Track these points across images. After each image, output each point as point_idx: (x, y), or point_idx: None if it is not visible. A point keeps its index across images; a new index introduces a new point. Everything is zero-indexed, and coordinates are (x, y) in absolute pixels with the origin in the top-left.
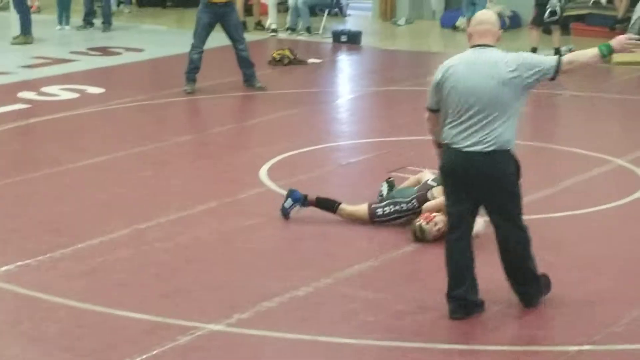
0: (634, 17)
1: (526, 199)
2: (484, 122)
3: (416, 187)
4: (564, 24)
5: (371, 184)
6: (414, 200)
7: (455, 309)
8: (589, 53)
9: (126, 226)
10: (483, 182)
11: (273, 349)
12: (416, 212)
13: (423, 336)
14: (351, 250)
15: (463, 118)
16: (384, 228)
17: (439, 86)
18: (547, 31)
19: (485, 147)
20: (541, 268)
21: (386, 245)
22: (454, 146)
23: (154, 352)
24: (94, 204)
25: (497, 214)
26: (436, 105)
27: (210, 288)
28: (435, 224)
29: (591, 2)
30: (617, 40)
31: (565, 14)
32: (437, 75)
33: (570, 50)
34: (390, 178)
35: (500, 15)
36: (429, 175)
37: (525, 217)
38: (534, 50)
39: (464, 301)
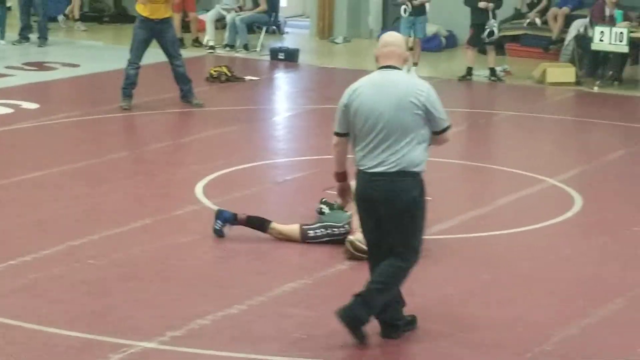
0: (568, 38)
1: (461, 217)
2: (388, 143)
3: (349, 212)
4: (499, 45)
5: (307, 201)
6: (346, 225)
7: (382, 329)
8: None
9: (60, 243)
10: (386, 205)
11: None
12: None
13: (353, 356)
14: (285, 268)
15: (368, 139)
16: (319, 247)
17: (346, 109)
18: (483, 51)
19: (388, 168)
20: (476, 286)
21: (320, 263)
22: (361, 169)
23: None
24: (27, 221)
25: (395, 241)
26: (344, 129)
27: (143, 305)
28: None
29: (526, 23)
30: None
31: (500, 34)
32: (344, 98)
33: (504, 70)
34: (323, 199)
35: (437, 35)
36: None
37: (460, 236)
38: (469, 69)
39: (385, 323)
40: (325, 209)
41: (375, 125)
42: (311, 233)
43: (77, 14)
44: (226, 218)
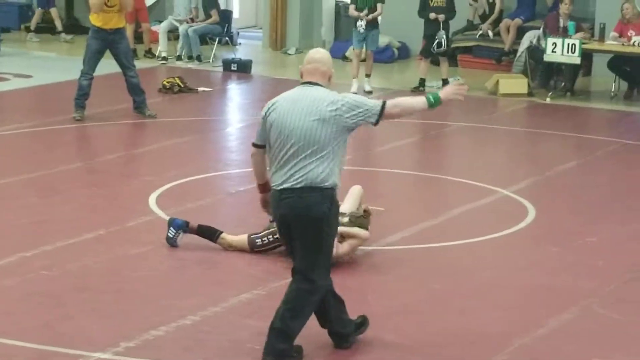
0: (520, 49)
1: (415, 228)
2: (298, 158)
3: None
4: (452, 56)
5: (259, 212)
6: None
7: (333, 340)
8: (416, 100)
9: (12, 254)
10: (295, 221)
11: None
12: None
13: None
14: (238, 278)
15: (280, 155)
16: (272, 256)
17: (263, 121)
18: (436, 62)
19: (294, 184)
20: (429, 297)
21: (274, 273)
22: (273, 185)
23: None
24: None
25: (300, 256)
26: (261, 140)
27: (97, 316)
28: None
29: (478, 34)
30: (445, 91)
31: (453, 45)
32: (263, 110)
33: (457, 82)
34: None
35: (389, 46)
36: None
37: (413, 247)
38: (422, 81)
39: (335, 334)
40: None
41: (288, 141)
42: (259, 242)
43: (33, 26)
44: (179, 225)
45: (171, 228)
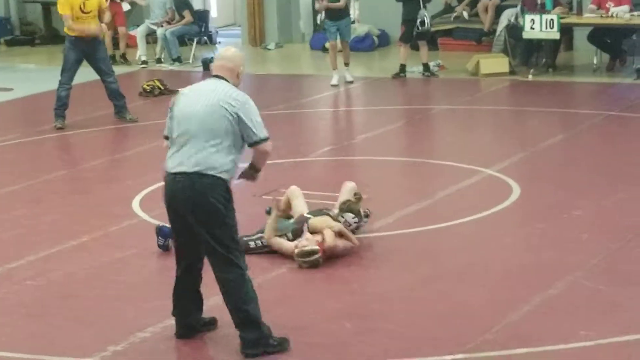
0: (499, 28)
1: (400, 212)
2: (193, 144)
3: (292, 219)
4: (432, 40)
5: (242, 208)
6: (288, 234)
7: (179, 329)
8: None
9: None
10: (189, 207)
11: None
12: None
13: (296, 356)
14: None
15: (178, 141)
16: (255, 253)
17: (170, 112)
18: (416, 47)
19: (188, 168)
20: (416, 280)
21: (256, 269)
22: (168, 169)
23: None
24: None
25: (212, 250)
26: (168, 131)
27: (84, 323)
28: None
29: (453, 17)
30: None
31: (432, 29)
32: (171, 102)
33: (438, 65)
34: (269, 207)
35: (369, 34)
36: (302, 204)
37: (399, 232)
38: (402, 67)
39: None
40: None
41: (186, 129)
42: (252, 244)
43: None
44: (166, 233)
45: (159, 237)
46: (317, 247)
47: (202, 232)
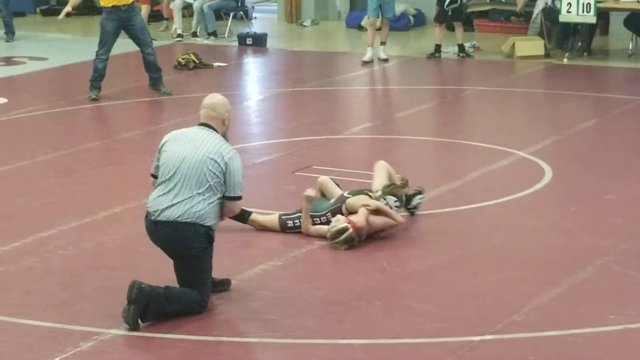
0: (535, 11)
1: (432, 192)
2: (179, 190)
3: (332, 199)
4: (468, 21)
5: (277, 184)
6: (328, 214)
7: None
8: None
9: (29, 235)
10: (169, 250)
11: (177, 351)
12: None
13: (325, 332)
14: (255, 250)
15: (165, 184)
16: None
17: (158, 152)
18: (451, 28)
19: (172, 216)
20: (447, 260)
21: (289, 244)
22: (150, 211)
23: (57, 358)
24: None
25: (184, 275)
26: (156, 171)
27: (114, 293)
28: (337, 220)
29: None
30: None
31: (468, 10)
32: (159, 143)
33: (473, 46)
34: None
35: (405, 14)
36: (333, 186)
37: (431, 211)
38: (437, 47)
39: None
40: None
41: (174, 174)
42: (290, 223)
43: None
44: None
45: None
46: (346, 224)
47: (180, 268)
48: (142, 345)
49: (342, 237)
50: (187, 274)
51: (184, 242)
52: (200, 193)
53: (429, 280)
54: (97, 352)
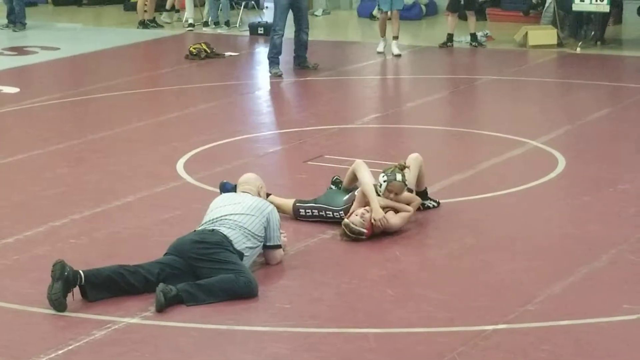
0: (548, 0)
1: (445, 182)
2: (225, 222)
3: (346, 196)
4: (480, 10)
5: (288, 173)
6: (341, 212)
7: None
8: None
9: (41, 224)
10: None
11: (190, 340)
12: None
13: (339, 321)
14: None
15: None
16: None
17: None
18: (464, 17)
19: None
20: (459, 250)
21: (301, 233)
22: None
23: (70, 347)
24: (9, 203)
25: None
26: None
27: None
28: (357, 215)
29: None
30: None
31: None
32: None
33: (486, 36)
34: (335, 177)
35: (417, 3)
36: (367, 178)
37: (444, 201)
38: (450, 36)
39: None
40: (333, 188)
41: (224, 214)
42: (302, 212)
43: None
44: (228, 189)
45: (222, 193)
46: (363, 230)
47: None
48: (154, 334)
49: (353, 236)
50: (219, 268)
51: (217, 244)
52: (245, 233)
53: (441, 269)
54: (110, 340)
